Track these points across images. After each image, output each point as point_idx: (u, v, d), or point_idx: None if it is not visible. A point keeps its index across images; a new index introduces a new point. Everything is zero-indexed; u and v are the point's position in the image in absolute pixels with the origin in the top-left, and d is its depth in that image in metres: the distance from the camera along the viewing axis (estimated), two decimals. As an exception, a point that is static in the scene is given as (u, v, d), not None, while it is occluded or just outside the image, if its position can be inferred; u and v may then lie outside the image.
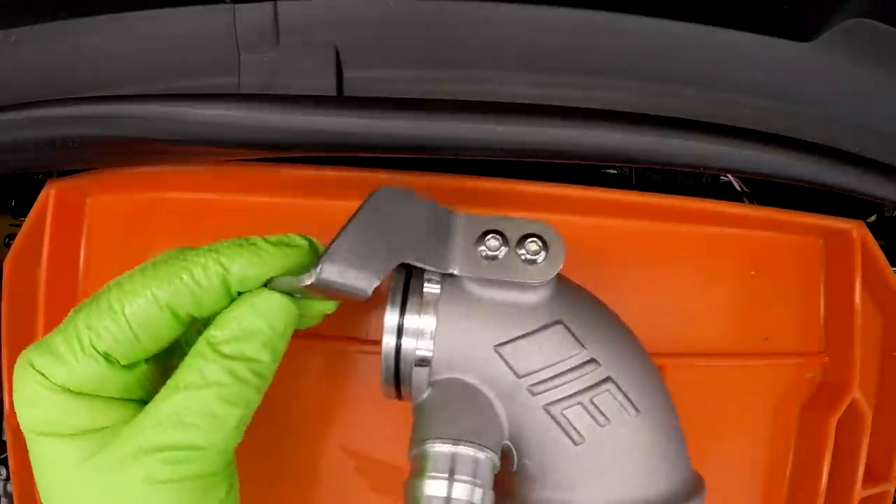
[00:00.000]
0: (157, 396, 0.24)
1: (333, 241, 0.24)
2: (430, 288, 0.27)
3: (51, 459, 0.24)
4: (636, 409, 0.26)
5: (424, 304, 0.26)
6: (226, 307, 0.25)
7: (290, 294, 0.25)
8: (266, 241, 0.25)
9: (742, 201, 0.42)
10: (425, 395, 0.27)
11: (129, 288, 0.24)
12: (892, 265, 0.37)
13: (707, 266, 0.37)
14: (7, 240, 0.53)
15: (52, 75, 0.31)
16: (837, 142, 0.31)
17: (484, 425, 0.25)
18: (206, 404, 0.23)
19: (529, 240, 0.26)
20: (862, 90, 0.32)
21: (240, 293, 0.25)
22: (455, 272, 0.26)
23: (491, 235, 0.26)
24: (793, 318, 0.38)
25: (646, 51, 0.31)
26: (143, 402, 0.25)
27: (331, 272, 0.23)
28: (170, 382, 0.24)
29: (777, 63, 0.32)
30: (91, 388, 0.24)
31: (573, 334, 0.26)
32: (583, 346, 0.26)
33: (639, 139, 0.28)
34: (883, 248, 0.37)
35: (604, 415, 0.25)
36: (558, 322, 0.26)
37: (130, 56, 0.31)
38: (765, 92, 0.32)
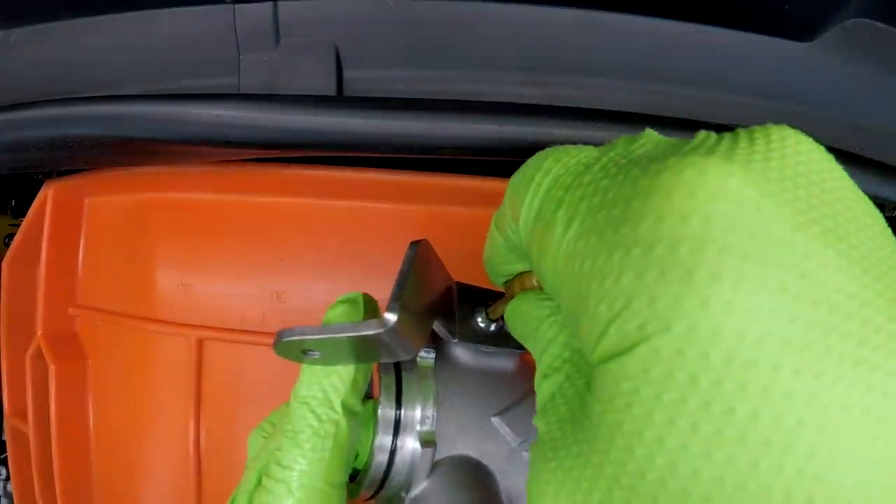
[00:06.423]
0: None
1: (397, 290, 0.20)
2: (426, 358, 0.26)
3: None
4: None
5: (421, 378, 0.25)
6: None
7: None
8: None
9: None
10: (425, 485, 0.25)
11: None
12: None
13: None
14: (7, 240, 0.53)
15: (52, 75, 0.31)
16: (837, 142, 0.31)
17: (490, 499, 0.25)
18: None
19: None
20: (862, 90, 0.32)
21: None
22: (455, 340, 0.25)
23: (484, 307, 0.26)
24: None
25: (646, 51, 0.31)
26: None
27: (401, 322, 0.19)
28: None
29: (777, 63, 0.32)
30: None
31: None
32: None
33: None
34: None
35: None
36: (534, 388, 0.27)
37: (130, 56, 0.31)
38: (765, 92, 0.32)
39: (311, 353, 0.21)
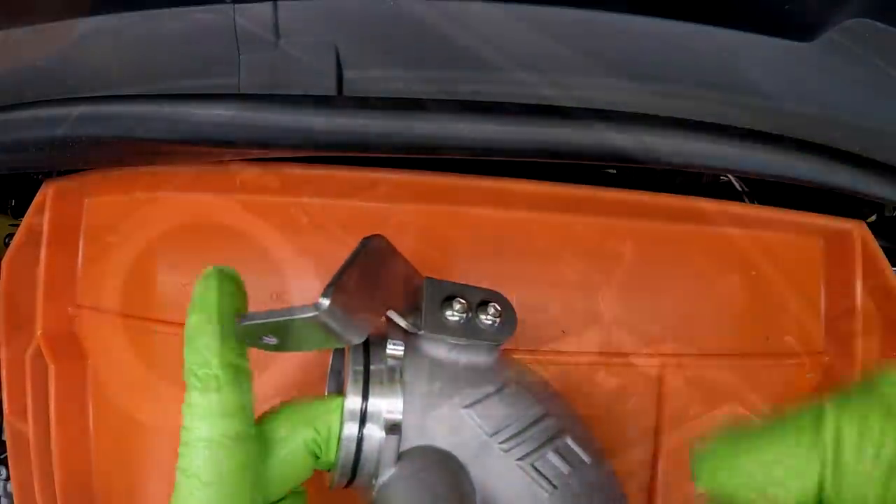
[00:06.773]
0: None
1: (336, 277, 0.22)
2: (394, 350, 0.26)
3: None
4: (589, 455, 0.27)
5: (389, 370, 0.26)
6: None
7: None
8: None
9: (742, 201, 0.41)
10: (392, 472, 0.25)
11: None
12: (893, 265, 0.37)
13: (707, 266, 0.37)
14: (7, 240, 0.53)
15: (52, 75, 0.31)
16: (837, 142, 0.31)
17: (459, 487, 0.25)
18: None
19: (489, 304, 0.28)
20: (862, 90, 0.32)
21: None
22: (422, 332, 0.26)
23: (455, 300, 0.27)
24: (793, 318, 0.38)
25: (646, 51, 0.31)
26: None
27: (338, 306, 0.21)
28: None
29: (777, 63, 0.32)
30: None
31: (526, 390, 0.27)
32: (536, 401, 0.27)
33: (639, 139, 0.28)
34: (883, 249, 0.36)
35: (567, 462, 0.26)
36: (513, 381, 0.27)
37: (131, 56, 0.31)
38: (765, 92, 0.32)
39: (269, 339, 0.22)
